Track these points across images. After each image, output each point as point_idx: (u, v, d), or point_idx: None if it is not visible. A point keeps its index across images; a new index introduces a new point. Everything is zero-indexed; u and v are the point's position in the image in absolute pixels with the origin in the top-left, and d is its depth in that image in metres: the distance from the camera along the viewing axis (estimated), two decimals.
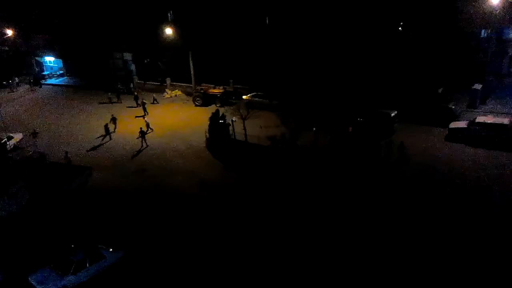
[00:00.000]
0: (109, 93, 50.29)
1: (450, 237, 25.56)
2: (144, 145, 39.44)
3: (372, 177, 32.15)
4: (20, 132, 42.01)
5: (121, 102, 48.48)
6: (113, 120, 42.50)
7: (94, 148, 39.68)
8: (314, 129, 37.38)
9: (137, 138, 39.90)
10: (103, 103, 49.87)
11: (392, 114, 39.38)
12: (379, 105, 40.88)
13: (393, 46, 46.92)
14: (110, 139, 41.02)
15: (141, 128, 39.82)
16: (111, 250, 25.60)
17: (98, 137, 41.71)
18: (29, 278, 23.73)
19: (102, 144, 40.32)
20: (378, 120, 38.96)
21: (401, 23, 49.45)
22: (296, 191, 31.22)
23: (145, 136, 39.87)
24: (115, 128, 42.22)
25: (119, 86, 53.02)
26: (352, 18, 46.95)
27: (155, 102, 49.22)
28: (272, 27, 51.10)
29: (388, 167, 33.53)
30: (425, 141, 37.21)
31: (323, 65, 46.19)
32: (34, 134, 40.70)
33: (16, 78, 56.69)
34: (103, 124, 42.14)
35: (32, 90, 55.75)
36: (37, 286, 23.27)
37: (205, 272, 24.20)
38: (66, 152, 36.62)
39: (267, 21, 51.61)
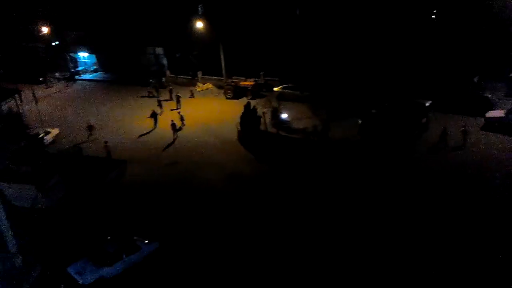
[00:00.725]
0: (149, 87, 50.56)
1: (483, 233, 25.02)
2: (175, 136, 39.80)
3: (404, 169, 31.64)
4: (56, 127, 42.91)
5: (159, 97, 48.79)
6: (154, 115, 42.71)
7: (129, 142, 40.24)
8: (359, 121, 36.48)
9: (175, 131, 40.38)
10: (144, 96, 50.17)
11: (427, 104, 38.57)
12: (413, 95, 40.08)
13: (427, 34, 45.92)
14: (154, 128, 41.34)
15: (172, 121, 40.20)
16: (146, 241, 26.02)
17: (137, 132, 42.20)
18: (68, 269, 24.35)
19: (139, 137, 40.82)
20: (412, 110, 38.21)
21: (435, 11, 48.34)
22: (329, 184, 31.02)
23: (176, 129, 40.21)
24: (155, 123, 42.50)
25: (151, 80, 53.57)
26: (386, 6, 46.13)
27: (192, 95, 49.49)
28: (303, 17, 50.70)
29: (422, 158, 32.97)
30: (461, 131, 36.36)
31: (356, 54, 45.58)
32: (90, 128, 41.40)
33: (54, 74, 57.95)
34: (139, 118, 42.72)
35: (67, 85, 56.92)
36: (75, 277, 23.85)
37: (236, 264, 24.36)
38: (106, 142, 37.37)
39: (297, 12, 51.23)
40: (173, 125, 39.93)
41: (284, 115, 37.75)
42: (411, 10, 46.26)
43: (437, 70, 43.58)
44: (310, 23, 49.68)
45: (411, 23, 46.34)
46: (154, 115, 42.69)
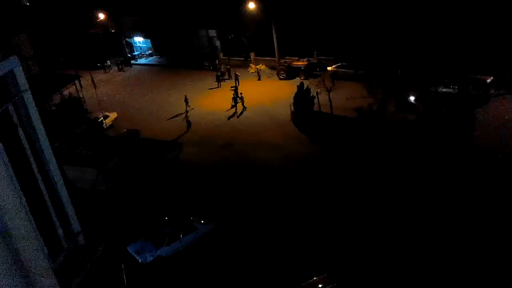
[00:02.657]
0: (220, 71, 50.22)
1: None
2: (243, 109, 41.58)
3: (462, 152, 30.39)
4: (115, 111, 44.09)
5: (229, 78, 48.93)
6: (236, 99, 42.89)
7: (184, 124, 40.74)
8: (443, 110, 35.10)
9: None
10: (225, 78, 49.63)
11: (488, 80, 36.77)
12: (474, 71, 38.25)
13: (487, 4, 43.39)
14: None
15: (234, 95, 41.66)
16: (202, 222, 26.44)
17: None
18: (128, 248, 25.16)
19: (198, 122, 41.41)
20: (473, 87, 36.56)
21: None
22: (384, 165, 30.32)
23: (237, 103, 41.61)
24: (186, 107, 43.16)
25: (205, 63, 53.97)
26: None
27: (261, 77, 48.94)
28: None
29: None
30: None
31: (413, 29, 43.86)
32: (186, 100, 42.90)
33: (111, 60, 59.46)
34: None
35: (123, 70, 58.29)
36: (135, 256, 24.63)
37: (290, 243, 24.35)
38: (187, 110, 40.75)
39: None
40: (234, 98, 41.57)
41: (411, 97, 36.73)
42: None
43: (501, 44, 41.25)
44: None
45: None
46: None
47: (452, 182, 27.54)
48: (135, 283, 22.83)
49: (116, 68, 58.38)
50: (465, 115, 33.56)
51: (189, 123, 39.91)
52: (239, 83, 45.99)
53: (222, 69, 50.41)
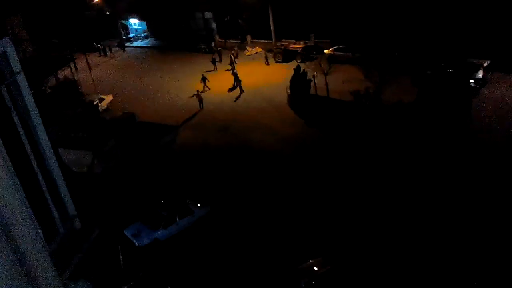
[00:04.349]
0: (213, 55, 49.93)
1: None
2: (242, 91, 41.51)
3: (459, 137, 30.41)
4: (110, 93, 43.88)
5: (220, 61, 48.73)
6: (203, 80, 43.01)
7: (182, 107, 40.65)
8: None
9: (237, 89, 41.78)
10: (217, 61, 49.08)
11: (485, 64, 36.68)
12: (469, 54, 38.10)
13: None
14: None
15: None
16: (199, 205, 26.51)
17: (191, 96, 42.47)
18: (125, 231, 25.23)
19: (189, 103, 41.26)
20: (468, 71, 36.43)
21: None
22: (381, 149, 30.36)
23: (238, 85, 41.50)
24: (203, 88, 42.73)
25: (201, 46, 53.64)
26: None
27: (268, 61, 48.52)
28: None
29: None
30: None
31: (409, 11, 43.56)
32: (203, 80, 42.60)
33: (106, 42, 58.99)
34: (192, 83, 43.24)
35: (119, 52, 57.88)
36: (132, 239, 24.71)
37: (288, 227, 24.46)
38: (198, 91, 40.25)
39: None
40: (237, 82, 41.58)
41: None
42: None
43: (497, 25, 41.01)
44: None
45: None
46: (203, 80, 42.85)
47: (448, 167, 27.60)
48: (132, 266, 22.93)
49: (111, 50, 57.96)
50: (462, 99, 33.52)
51: (201, 101, 39.74)
52: (235, 65, 45.78)
53: (215, 56, 50.00)
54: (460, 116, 32.26)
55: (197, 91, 40.24)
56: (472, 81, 35.70)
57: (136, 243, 24.56)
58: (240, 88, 41.69)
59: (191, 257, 23.49)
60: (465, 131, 31.00)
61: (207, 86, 42.70)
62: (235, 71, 43.58)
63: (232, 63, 45.95)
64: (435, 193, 25.41)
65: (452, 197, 24.86)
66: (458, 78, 35.62)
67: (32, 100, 6.91)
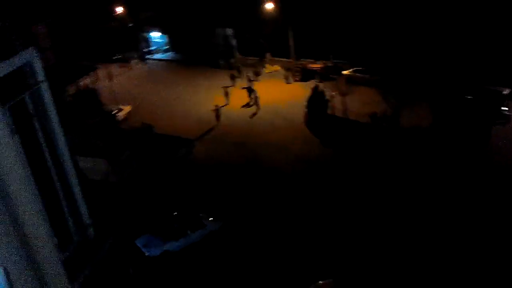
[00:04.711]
0: (232, 70, 50.33)
1: None
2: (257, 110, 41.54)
3: (476, 164, 30.07)
4: (129, 104, 44.29)
5: (239, 76, 49.13)
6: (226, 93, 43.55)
7: (199, 121, 40.87)
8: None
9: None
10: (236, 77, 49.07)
11: (504, 92, 36.30)
12: (489, 81, 37.79)
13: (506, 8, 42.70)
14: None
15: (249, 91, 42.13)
16: (211, 219, 26.50)
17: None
18: (136, 242, 25.30)
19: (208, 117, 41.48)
20: (487, 99, 36.07)
21: None
22: (397, 172, 30.14)
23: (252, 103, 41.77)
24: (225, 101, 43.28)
25: (220, 61, 54.02)
26: None
27: (290, 80, 48.85)
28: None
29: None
30: None
31: (430, 35, 43.48)
32: (250, 90, 42.99)
33: (127, 54, 59.67)
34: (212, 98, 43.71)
35: (139, 64, 58.54)
36: (143, 249, 24.77)
37: (298, 246, 24.32)
38: (216, 106, 40.32)
39: None
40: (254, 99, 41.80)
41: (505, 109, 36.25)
42: None
43: None
44: (381, 3, 47.91)
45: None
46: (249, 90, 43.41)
47: (462, 192, 27.31)
48: (141, 276, 22.94)
49: (132, 62, 58.63)
50: (480, 126, 33.22)
51: (218, 116, 40.01)
52: (252, 84, 45.93)
53: (238, 69, 50.50)
54: (477, 143, 31.95)
55: (216, 105, 40.43)
56: (505, 108, 35.33)
57: (146, 253, 24.61)
58: (257, 104, 41.84)
59: (200, 271, 23.43)
60: (481, 157, 30.65)
61: (228, 101, 43.10)
62: (253, 88, 43.83)
63: (249, 81, 46.11)
64: (446, 217, 25.12)
65: (463, 221, 24.56)
66: (477, 104, 35.34)
67: (54, 108, 7.06)
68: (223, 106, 41.80)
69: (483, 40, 42.28)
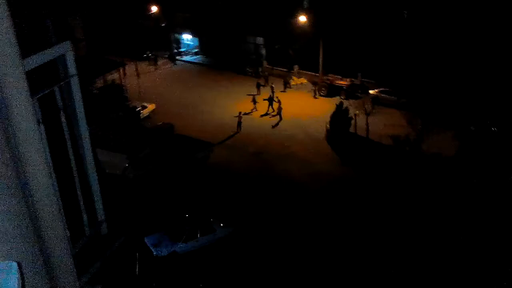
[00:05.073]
0: (259, 79, 50.78)
1: None
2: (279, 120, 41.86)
3: (496, 199, 29.55)
4: (153, 102, 44.70)
5: (265, 84, 49.43)
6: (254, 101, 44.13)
7: (220, 126, 41.02)
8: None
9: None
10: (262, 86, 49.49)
11: None
12: None
13: None
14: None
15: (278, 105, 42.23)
16: (222, 225, 26.51)
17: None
18: (145, 239, 25.42)
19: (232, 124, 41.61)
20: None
21: None
22: (415, 198, 29.76)
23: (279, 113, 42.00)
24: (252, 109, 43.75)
25: (248, 69, 54.26)
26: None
27: (287, 88, 49.27)
28: (410, 21, 48.78)
29: None
30: None
31: (463, 64, 43.06)
32: (270, 101, 43.34)
33: (157, 53, 60.28)
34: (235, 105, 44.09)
35: (168, 64, 59.11)
36: (151, 248, 24.87)
37: (305, 261, 24.16)
38: (240, 113, 40.35)
39: (405, 14, 49.43)
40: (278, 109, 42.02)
41: None
42: None
43: None
44: (416, 28, 47.66)
45: None
46: (270, 100, 43.87)
47: (480, 225, 26.84)
48: (147, 275, 23.00)
49: (161, 61, 59.21)
50: (504, 160, 32.63)
51: (240, 124, 40.14)
52: (274, 95, 46.03)
53: (266, 78, 50.77)
54: (501, 176, 31.38)
55: (240, 113, 40.50)
56: None
57: (155, 253, 24.69)
58: (280, 115, 41.86)
59: (206, 276, 23.40)
60: (504, 191, 30.09)
61: (255, 108, 43.59)
62: (274, 99, 43.97)
63: (272, 92, 46.14)
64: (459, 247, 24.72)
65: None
66: (501, 138, 34.76)
67: (82, 103, 7.10)
68: (249, 114, 41.98)
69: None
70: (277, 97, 44.11)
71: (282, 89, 48.30)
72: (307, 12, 51.46)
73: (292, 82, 51.30)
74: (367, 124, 36.82)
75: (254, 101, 43.93)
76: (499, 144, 34.05)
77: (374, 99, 43.28)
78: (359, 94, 46.07)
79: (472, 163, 32.39)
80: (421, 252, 24.81)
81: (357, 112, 37.69)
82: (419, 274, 23.38)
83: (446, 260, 24.21)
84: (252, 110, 43.34)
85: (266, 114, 42.97)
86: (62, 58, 6.72)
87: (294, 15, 51.15)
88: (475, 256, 24.43)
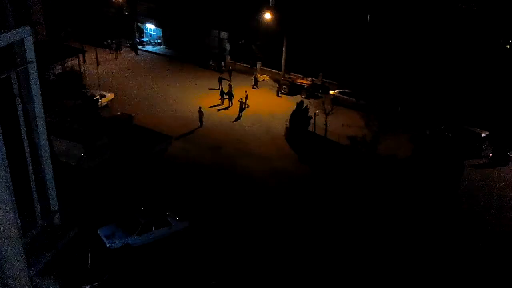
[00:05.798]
0: (221, 73, 50.52)
1: None
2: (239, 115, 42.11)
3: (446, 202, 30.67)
4: (112, 92, 43.91)
5: (227, 79, 49.24)
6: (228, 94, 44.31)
7: (180, 119, 40.74)
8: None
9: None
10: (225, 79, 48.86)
11: (483, 135, 37.11)
12: (469, 122, 38.59)
13: (499, 61, 43.86)
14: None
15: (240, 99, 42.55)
16: (177, 218, 26.37)
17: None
18: (98, 231, 25.01)
19: (187, 117, 41.33)
20: (466, 139, 36.82)
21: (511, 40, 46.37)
22: (369, 197, 30.48)
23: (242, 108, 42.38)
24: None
25: (211, 63, 53.99)
26: (457, 28, 44.56)
27: (280, 92, 48.99)
28: (372, 25, 49.72)
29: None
30: None
31: (421, 70, 44.29)
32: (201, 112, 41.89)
33: (119, 41, 59.17)
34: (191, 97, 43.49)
35: (129, 54, 58.10)
36: (104, 240, 24.49)
37: (259, 254, 24.37)
38: (200, 107, 40.04)
39: (368, 18, 50.33)
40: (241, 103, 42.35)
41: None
42: (487, 33, 44.44)
43: (504, 99, 41.55)
44: (378, 32, 48.66)
45: (487, 46, 44.38)
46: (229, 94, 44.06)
47: (428, 223, 27.76)
48: (99, 267, 22.63)
49: (122, 50, 58.12)
50: (454, 164, 33.84)
51: (201, 118, 39.83)
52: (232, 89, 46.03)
53: (230, 73, 50.70)
54: (449, 181, 32.53)
55: (200, 108, 40.19)
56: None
57: (107, 244, 24.34)
58: (241, 110, 42.11)
59: (158, 269, 23.26)
60: (451, 196, 31.20)
61: (222, 102, 44.11)
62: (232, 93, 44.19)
63: (229, 86, 46.02)
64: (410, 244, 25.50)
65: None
66: (455, 143, 36.02)
67: (39, 90, 6.94)
68: (216, 106, 41.97)
69: (473, 84, 43.22)
70: (246, 92, 44.43)
71: (252, 85, 48.32)
72: (272, 9, 51.64)
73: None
74: (326, 123, 37.36)
75: (222, 96, 44.13)
76: (452, 147, 35.30)
77: (334, 99, 43.94)
78: (319, 94, 46.67)
79: (425, 165, 33.42)
80: (372, 250, 25.43)
81: (317, 111, 38.16)
82: (369, 273, 23.97)
83: (396, 258, 24.93)
84: (219, 104, 43.59)
85: (227, 108, 43.05)
86: (20, 43, 6.54)
87: (260, 11, 51.25)
88: (421, 254, 25.26)
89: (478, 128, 37.74)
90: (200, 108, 40.03)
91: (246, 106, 43.47)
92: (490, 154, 35.87)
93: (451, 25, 44.77)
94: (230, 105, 43.50)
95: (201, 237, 25.81)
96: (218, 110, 43.06)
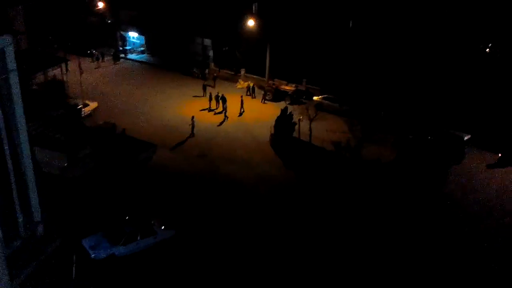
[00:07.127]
0: (205, 81, 50.62)
1: None
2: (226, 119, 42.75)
3: (429, 202, 30.97)
4: (96, 101, 43.61)
5: (211, 85, 49.33)
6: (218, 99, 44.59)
7: (164, 127, 40.59)
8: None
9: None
10: (209, 85, 49.35)
11: (465, 138, 37.57)
12: (452, 126, 39.09)
13: (479, 65, 44.55)
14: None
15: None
16: (163, 227, 26.20)
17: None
18: (82, 242, 24.72)
19: (173, 125, 41.21)
20: (449, 142, 37.25)
21: (490, 45, 47.11)
22: (353, 201, 30.64)
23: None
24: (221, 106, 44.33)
25: (194, 70, 53.95)
26: (438, 34, 45.20)
27: (264, 99, 48.91)
28: (355, 31, 50.16)
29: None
30: (499, 176, 34.94)
31: (403, 76, 44.81)
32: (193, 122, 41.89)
33: (102, 50, 58.83)
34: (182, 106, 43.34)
35: (112, 62, 57.81)
36: (88, 250, 24.22)
37: (249, 260, 24.31)
38: (193, 117, 39.76)
39: (350, 24, 50.75)
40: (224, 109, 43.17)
41: None
42: (467, 39, 45.14)
43: (482, 103, 42.18)
44: (361, 38, 49.12)
45: (466, 52, 45.05)
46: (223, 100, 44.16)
47: (414, 226, 27.97)
48: (83, 278, 22.37)
49: (105, 58, 57.79)
50: (438, 168, 34.24)
51: (193, 128, 39.60)
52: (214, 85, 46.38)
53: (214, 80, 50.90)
54: (433, 183, 32.88)
55: (192, 117, 39.86)
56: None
57: (92, 255, 24.07)
58: (225, 115, 42.31)
59: (144, 279, 23.08)
60: (436, 198, 31.49)
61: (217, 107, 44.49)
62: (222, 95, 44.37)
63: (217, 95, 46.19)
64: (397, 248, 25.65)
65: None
66: (438, 146, 36.42)
67: (20, 99, 6.90)
68: (214, 110, 43.52)
69: (452, 88, 43.83)
70: (241, 97, 45.24)
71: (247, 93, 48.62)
72: (255, 16, 51.84)
73: (238, 86, 51.49)
74: (310, 129, 37.53)
75: (217, 100, 44.54)
76: (434, 151, 35.69)
77: (318, 105, 44.14)
78: (303, 100, 46.86)
79: (408, 169, 33.75)
80: (359, 253, 25.54)
81: (301, 117, 38.33)
82: (357, 275, 24.07)
83: (382, 260, 25.06)
84: (214, 109, 44.56)
85: (221, 112, 43.67)
86: (1, 52, 6.50)
87: (243, 18, 51.41)
88: (406, 256, 25.45)
89: (460, 132, 38.18)
90: (193, 117, 39.66)
91: (242, 110, 44.39)
92: (500, 154, 36.36)
93: (432, 29, 45.38)
94: (224, 109, 43.62)
95: (188, 246, 25.65)
96: (215, 114, 43.75)
